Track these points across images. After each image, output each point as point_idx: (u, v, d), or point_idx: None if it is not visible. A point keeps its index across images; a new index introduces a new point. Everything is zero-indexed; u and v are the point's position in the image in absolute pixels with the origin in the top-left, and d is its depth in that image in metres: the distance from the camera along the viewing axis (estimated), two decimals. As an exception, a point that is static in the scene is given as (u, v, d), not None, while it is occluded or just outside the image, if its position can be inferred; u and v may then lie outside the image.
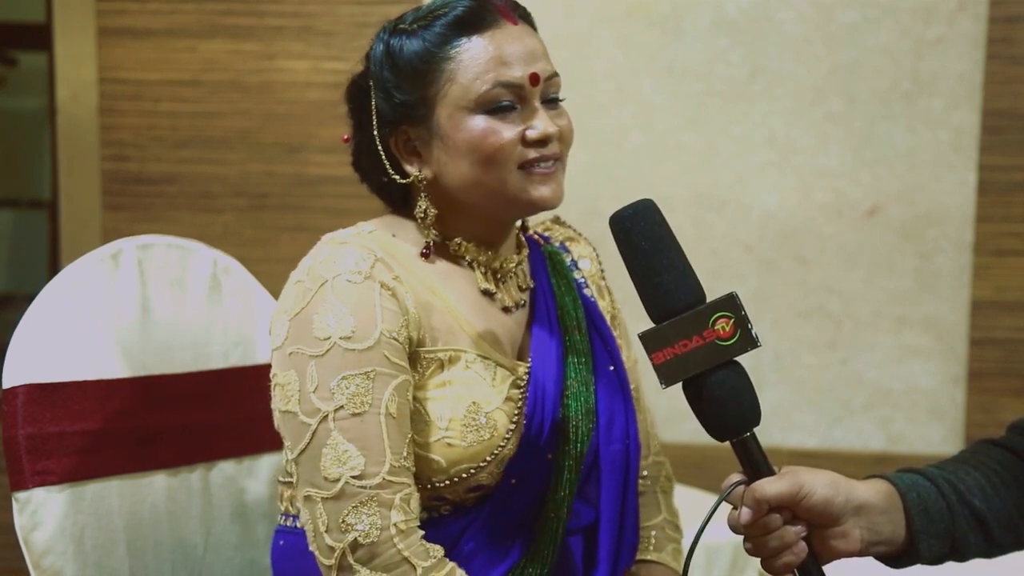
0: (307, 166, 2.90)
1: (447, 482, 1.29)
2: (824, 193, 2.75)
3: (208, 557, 1.56)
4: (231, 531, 1.59)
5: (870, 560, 1.21)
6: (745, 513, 1.12)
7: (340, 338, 1.23)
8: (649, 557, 1.47)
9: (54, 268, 3.33)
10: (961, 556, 1.21)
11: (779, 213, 2.77)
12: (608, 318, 1.49)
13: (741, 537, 1.15)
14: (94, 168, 2.96)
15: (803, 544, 1.13)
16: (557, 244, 1.53)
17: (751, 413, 1.11)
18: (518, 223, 1.43)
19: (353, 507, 1.20)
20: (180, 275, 1.55)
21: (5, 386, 1.35)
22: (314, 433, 1.23)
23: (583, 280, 1.51)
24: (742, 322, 1.09)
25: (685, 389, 1.13)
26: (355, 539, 1.20)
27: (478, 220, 1.35)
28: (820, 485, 1.12)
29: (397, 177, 1.35)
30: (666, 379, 1.10)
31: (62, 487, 1.35)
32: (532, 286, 1.43)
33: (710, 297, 1.12)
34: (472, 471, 1.29)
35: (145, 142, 2.95)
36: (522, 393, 1.34)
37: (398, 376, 1.25)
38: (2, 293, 4.55)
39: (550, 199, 1.32)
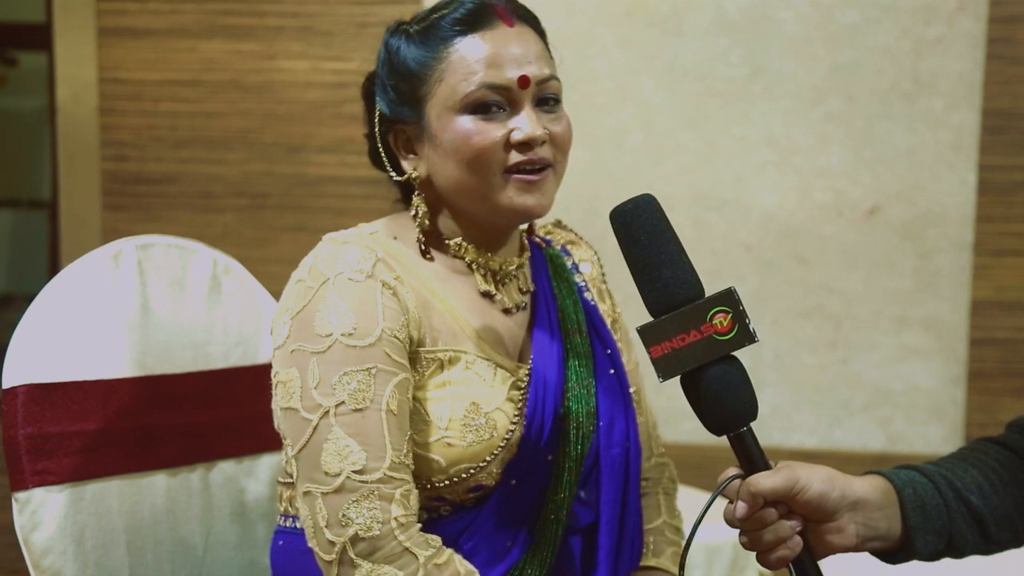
0: (307, 166, 2.91)
1: (447, 482, 1.29)
2: (824, 193, 2.75)
3: (208, 557, 1.56)
4: (231, 531, 1.59)
5: (866, 556, 1.22)
6: (741, 507, 1.12)
7: (342, 335, 1.24)
8: (648, 563, 1.46)
9: (54, 268, 3.33)
10: (958, 553, 1.22)
11: (779, 213, 2.77)
12: (609, 322, 1.49)
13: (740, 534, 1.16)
14: (94, 168, 2.96)
15: (798, 539, 1.13)
16: (558, 247, 1.53)
17: (748, 408, 1.12)
18: (523, 226, 1.43)
19: (354, 501, 1.20)
20: (180, 275, 1.55)
21: (5, 386, 1.35)
22: (315, 429, 1.23)
23: (584, 284, 1.51)
24: (740, 317, 1.09)
25: (683, 383, 1.13)
26: (356, 533, 1.20)
27: (473, 224, 1.35)
28: (816, 480, 1.12)
29: (394, 174, 1.36)
30: (664, 373, 1.11)
31: (62, 487, 1.35)
32: (533, 289, 1.43)
33: (709, 292, 1.12)
34: (472, 471, 1.30)
35: (145, 142, 2.95)
36: (522, 395, 1.34)
37: (399, 374, 1.26)
38: (2, 293, 4.55)
39: (533, 208, 1.30)
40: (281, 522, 1.41)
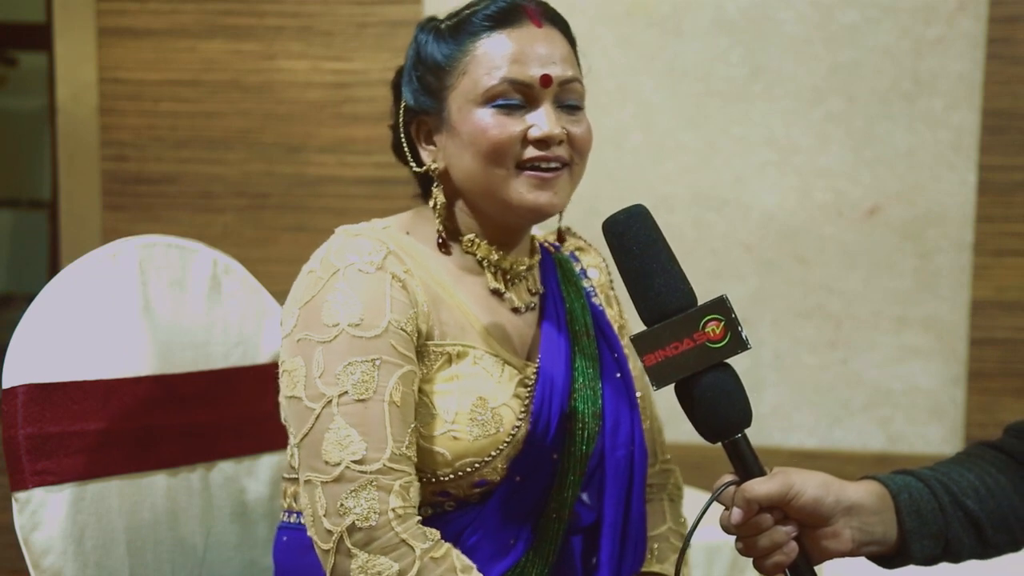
0: (307, 166, 2.91)
1: (452, 476, 1.30)
2: (824, 193, 2.75)
3: (208, 557, 1.56)
4: (231, 531, 1.59)
5: (862, 560, 1.22)
6: (736, 513, 1.13)
7: (348, 325, 1.24)
8: (652, 569, 1.47)
9: (54, 268, 3.33)
10: (955, 557, 1.22)
11: (779, 213, 2.77)
12: (616, 327, 1.50)
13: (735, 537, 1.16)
14: (94, 168, 2.96)
15: (794, 544, 1.14)
16: (567, 253, 1.54)
17: (742, 414, 1.12)
18: (533, 230, 1.44)
19: (352, 491, 1.21)
20: (180, 275, 1.55)
21: (5, 386, 1.35)
22: (317, 417, 1.23)
23: (592, 289, 1.52)
24: (732, 325, 1.10)
25: (677, 391, 1.14)
26: (353, 522, 1.20)
27: (487, 219, 1.37)
28: (810, 485, 1.13)
29: (414, 165, 1.38)
30: (657, 381, 1.12)
31: (62, 487, 1.35)
32: (542, 291, 1.44)
33: (702, 300, 1.13)
34: (477, 465, 1.30)
35: (145, 142, 2.95)
36: (529, 392, 1.35)
37: (404, 366, 1.26)
38: (2, 293, 4.55)
39: (544, 206, 1.31)
40: (285, 518, 1.41)
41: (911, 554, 1.19)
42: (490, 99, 1.30)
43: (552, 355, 1.38)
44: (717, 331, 1.10)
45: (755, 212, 2.77)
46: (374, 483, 1.21)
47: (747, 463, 1.13)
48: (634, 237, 1.14)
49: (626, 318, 1.54)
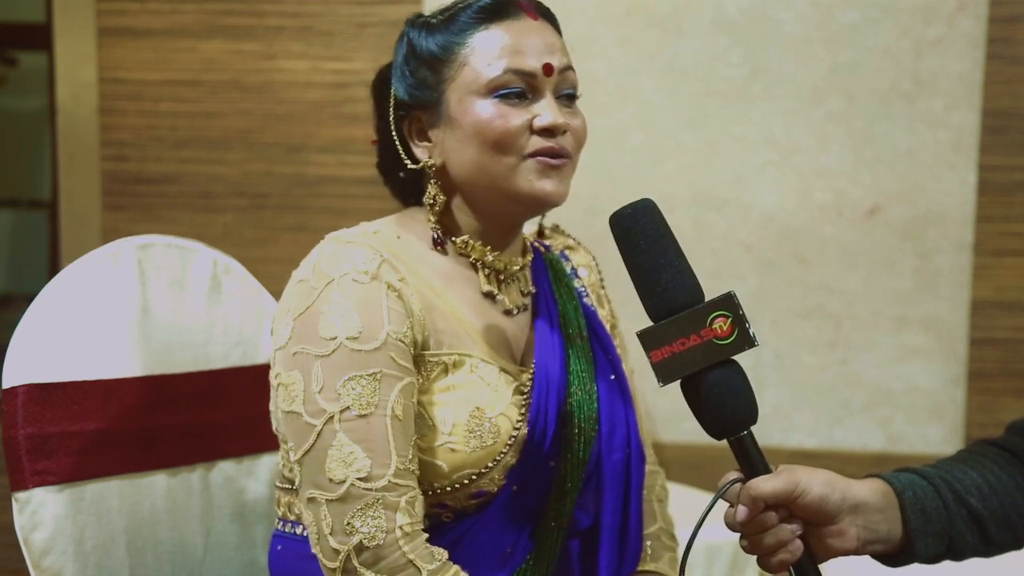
0: (307, 166, 2.91)
1: (449, 488, 1.29)
2: (824, 193, 2.75)
3: (208, 557, 1.56)
4: (231, 531, 1.59)
5: (867, 559, 1.22)
6: (741, 511, 1.12)
7: (346, 338, 1.22)
8: (647, 567, 1.46)
9: (54, 268, 3.33)
10: (958, 555, 1.22)
11: (779, 213, 2.76)
12: (608, 327, 1.49)
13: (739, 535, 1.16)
14: (94, 168, 2.96)
15: (799, 542, 1.13)
16: (557, 252, 1.53)
17: (748, 411, 1.11)
18: (526, 230, 1.43)
19: (359, 509, 1.19)
20: (180, 275, 1.55)
21: (5, 386, 1.35)
22: (319, 434, 1.22)
23: (583, 289, 1.51)
24: (739, 321, 1.09)
25: (683, 387, 1.13)
26: (360, 542, 1.19)
27: (485, 216, 1.35)
28: (816, 483, 1.12)
29: (408, 162, 1.35)
30: (664, 377, 1.11)
31: (62, 487, 1.35)
32: (534, 291, 1.43)
33: (708, 296, 1.12)
34: (474, 477, 1.29)
35: (145, 142, 2.95)
36: (525, 399, 1.34)
37: (404, 378, 1.25)
38: (2, 293, 4.56)
39: (551, 194, 1.30)
40: (279, 527, 1.40)
41: (915, 552, 1.19)
42: (493, 89, 1.29)
43: (547, 357, 1.37)
44: (724, 327, 1.10)
45: (755, 212, 2.77)
46: (380, 501, 1.20)
47: (753, 460, 1.13)
48: (641, 231, 1.13)
49: (617, 317, 1.53)
